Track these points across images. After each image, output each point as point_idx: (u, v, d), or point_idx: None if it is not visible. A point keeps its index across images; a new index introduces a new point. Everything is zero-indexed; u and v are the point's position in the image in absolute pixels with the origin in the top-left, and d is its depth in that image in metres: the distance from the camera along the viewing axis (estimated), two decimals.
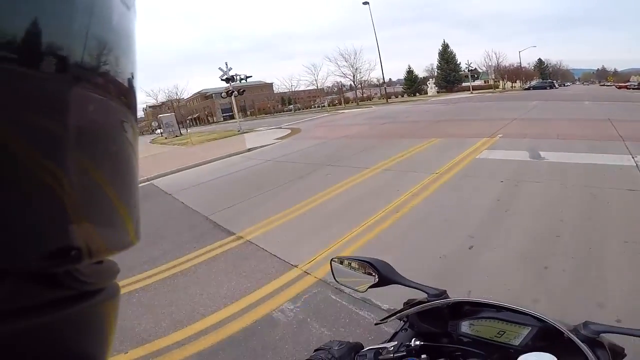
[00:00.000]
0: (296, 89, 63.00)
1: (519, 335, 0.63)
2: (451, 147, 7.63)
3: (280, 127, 20.65)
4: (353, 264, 0.83)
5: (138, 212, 0.24)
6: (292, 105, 60.82)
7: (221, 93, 24.46)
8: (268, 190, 5.91)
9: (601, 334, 0.57)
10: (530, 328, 0.62)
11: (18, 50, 0.15)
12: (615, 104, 16.21)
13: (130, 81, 0.22)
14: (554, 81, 56.23)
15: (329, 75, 57.70)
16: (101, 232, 0.21)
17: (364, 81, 54.72)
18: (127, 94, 0.22)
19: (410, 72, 61.34)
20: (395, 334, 0.77)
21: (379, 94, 52.93)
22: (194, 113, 70.45)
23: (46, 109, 0.17)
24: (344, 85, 57.93)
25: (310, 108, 54.43)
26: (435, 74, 59.92)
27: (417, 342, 0.64)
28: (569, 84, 76.51)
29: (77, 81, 0.18)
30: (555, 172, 4.97)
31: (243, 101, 67.23)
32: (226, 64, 21.84)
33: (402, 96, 60.00)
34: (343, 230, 3.83)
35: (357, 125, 15.52)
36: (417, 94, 58.34)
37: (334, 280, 0.87)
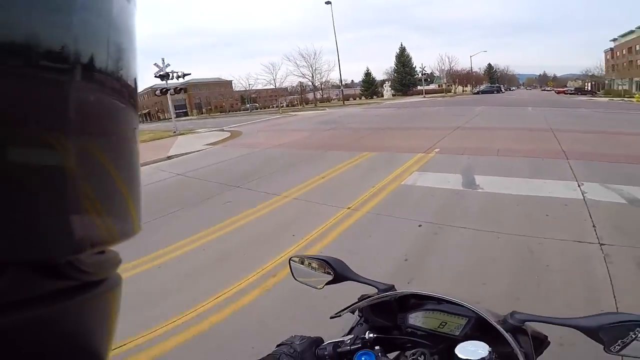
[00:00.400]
0: (255, 88, 60.58)
1: (459, 326, 0.67)
2: (381, 166, 6.47)
3: (223, 130, 18.75)
4: (311, 263, 0.86)
5: (140, 202, 0.24)
6: (249, 105, 58.25)
7: (155, 91, 21.88)
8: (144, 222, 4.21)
9: (526, 323, 0.62)
10: (467, 319, 0.67)
11: (17, 43, 0.15)
12: (556, 110, 16.40)
13: (131, 74, 0.22)
14: (501, 86, 59.23)
15: (288, 75, 55.45)
16: (103, 222, 0.21)
17: (323, 82, 53.72)
18: (127, 86, 0.22)
19: (368, 74, 61.54)
20: (352, 328, 0.79)
21: (339, 96, 52.42)
22: (144, 109, 65.16)
23: (48, 101, 0.17)
24: (306, 86, 56.62)
25: (268, 108, 52.20)
26: (392, 77, 60.54)
27: (371, 335, 0.67)
28: (514, 88, 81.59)
29: (78, 73, 0.18)
30: (489, 210, 3.85)
31: (199, 98, 63.68)
32: (163, 60, 19.43)
33: (360, 98, 60.02)
34: (167, 313, 2.36)
35: (300, 131, 14.14)
36: (375, 97, 58.63)
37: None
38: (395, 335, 0.74)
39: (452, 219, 3.64)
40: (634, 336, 0.54)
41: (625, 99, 31.00)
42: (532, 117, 13.47)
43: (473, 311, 0.65)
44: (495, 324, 0.61)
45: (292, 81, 56.67)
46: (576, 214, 3.55)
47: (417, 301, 0.75)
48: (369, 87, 61.10)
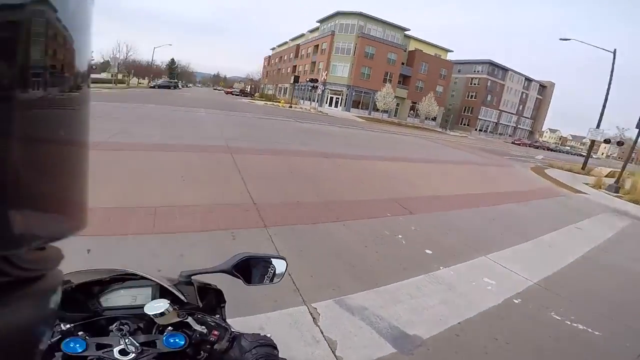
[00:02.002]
0: None
1: (147, 295, 0.72)
2: None
3: None
4: None
5: (86, 198, 0.24)
6: None
7: None
8: None
9: (192, 277, 0.76)
10: (151, 287, 0.72)
11: None
12: (227, 115, 15.86)
13: (83, 70, 0.22)
14: (179, 82, 58.42)
15: None
16: (43, 219, 0.20)
17: None
18: (78, 82, 0.22)
19: None
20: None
21: None
22: None
23: None
24: None
25: None
26: None
27: (68, 325, 0.65)
28: (190, 85, 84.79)
29: (23, 70, 0.17)
30: None
31: None
32: None
33: None
34: None
35: None
36: None
37: None
38: (96, 318, 0.71)
39: None
40: (273, 269, 0.80)
41: (275, 103, 39.07)
42: (206, 124, 11.55)
43: (152, 280, 0.72)
44: (164, 284, 0.70)
45: None
46: None
47: (100, 286, 0.73)
48: None
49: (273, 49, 73.35)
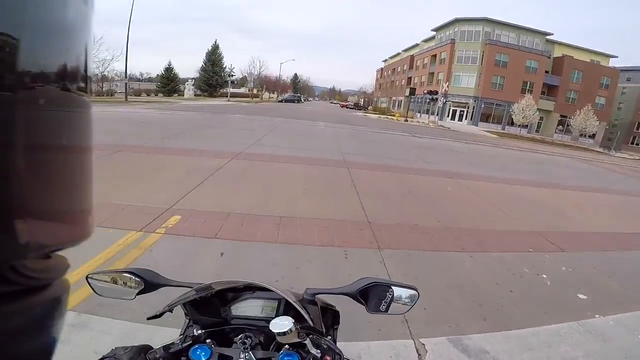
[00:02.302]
0: None
1: (273, 308, 0.75)
2: None
3: None
4: (114, 278, 0.80)
5: (91, 206, 0.24)
6: None
7: None
8: None
9: (316, 296, 0.75)
10: (278, 301, 0.75)
11: None
12: (343, 129, 16.44)
13: (84, 76, 0.22)
14: (301, 96, 64.45)
15: None
16: (49, 227, 0.20)
17: (101, 72, 40.76)
18: (79, 89, 0.22)
19: (169, 69, 52.17)
20: (183, 331, 0.79)
21: (130, 90, 40.70)
22: None
23: None
24: None
25: None
26: (198, 75, 53.91)
27: (200, 331, 0.70)
28: (310, 99, 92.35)
29: (26, 77, 0.18)
30: None
31: None
32: None
33: (156, 95, 50.21)
34: None
35: None
36: (176, 94, 50.45)
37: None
38: (223, 327, 0.76)
39: None
40: (390, 296, 0.73)
41: (389, 116, 38.77)
42: (325, 137, 12.21)
43: (278, 294, 0.72)
44: (292, 301, 0.69)
45: None
46: None
47: (236, 294, 0.78)
48: (169, 83, 52.08)
49: (385, 60, 72.74)
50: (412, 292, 0.76)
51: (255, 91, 61.74)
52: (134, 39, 63.59)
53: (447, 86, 38.62)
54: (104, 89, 46.78)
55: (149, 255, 2.88)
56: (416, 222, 4.35)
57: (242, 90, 63.23)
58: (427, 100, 38.14)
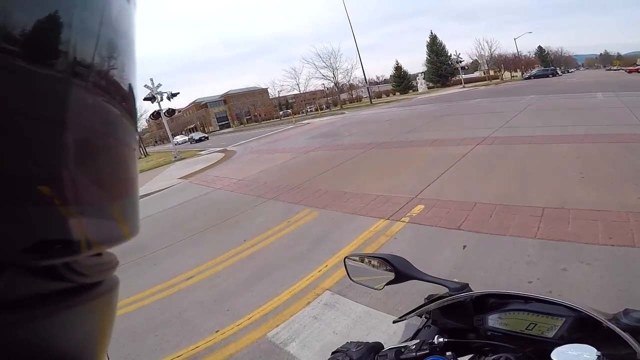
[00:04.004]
0: (292, 93, 58.66)
1: (553, 327, 0.56)
2: (287, 261, 3.44)
3: (226, 149, 16.91)
4: (370, 261, 0.79)
5: (138, 205, 0.24)
6: (281, 112, 56.63)
7: (149, 115, 20.51)
8: None
9: None
10: (564, 319, 0.56)
11: (14, 44, 0.15)
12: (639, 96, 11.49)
13: (129, 78, 0.22)
14: (557, 68, 50.76)
15: (311, 78, 52.31)
16: (100, 225, 0.21)
17: (348, 81, 50.09)
18: (125, 91, 0.22)
19: (398, 68, 56.47)
20: (418, 331, 0.71)
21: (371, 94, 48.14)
22: (190, 124, 67.03)
23: (43, 104, 0.17)
24: (330, 88, 53.30)
25: (298, 114, 49.61)
26: (425, 68, 54.73)
27: (441, 339, 0.60)
28: (572, 70, 70.44)
29: (74, 78, 0.18)
30: None
31: (239, 109, 63.78)
32: (151, 80, 17.77)
33: (394, 94, 55.24)
34: None
35: (285, 152, 11.36)
36: (411, 91, 53.49)
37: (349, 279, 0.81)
38: (470, 339, 0.63)
39: None
40: None
41: None
42: (606, 108, 9.02)
43: (573, 309, 0.55)
44: (609, 323, 0.50)
45: (315, 85, 53.85)
46: None
47: (498, 301, 0.63)
48: (402, 81, 56.06)
49: None
50: None
51: (491, 73, 54.88)
52: (361, 47, 72.42)
53: None
54: (353, 95, 56.93)
55: (393, 242, 3.29)
56: None
57: (476, 74, 57.82)
58: None
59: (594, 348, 0.45)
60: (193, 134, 39.87)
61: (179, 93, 18.50)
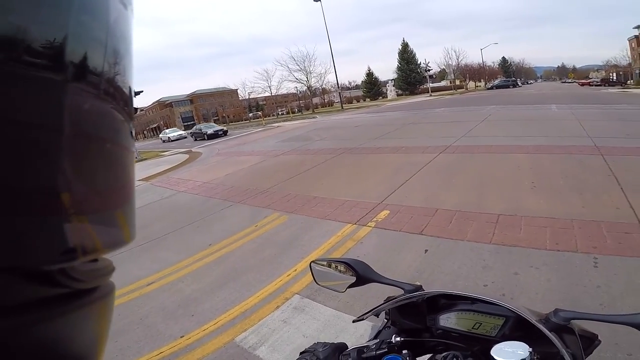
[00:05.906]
0: (262, 95, 57.70)
1: (495, 326, 0.61)
2: (254, 266, 3.33)
3: (191, 150, 16.29)
4: (334, 266, 0.82)
5: (134, 211, 0.24)
6: (251, 114, 55.55)
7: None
8: None
9: (572, 321, 0.57)
10: (504, 319, 0.61)
11: (12, 48, 0.15)
12: (588, 109, 12.57)
13: (127, 83, 0.22)
14: (517, 79, 54.34)
15: (283, 81, 51.92)
16: (96, 231, 0.21)
17: (321, 86, 50.42)
18: (123, 95, 0.22)
19: (369, 74, 57.73)
20: (379, 332, 0.75)
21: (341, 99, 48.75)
22: (153, 123, 63.86)
23: (42, 108, 0.16)
24: (302, 91, 53.29)
25: (269, 116, 48.87)
26: (396, 75, 56.38)
27: (398, 339, 0.65)
28: (531, 81, 75.86)
29: (72, 81, 0.18)
30: None
31: (205, 109, 61.84)
32: None
33: (364, 100, 56.32)
34: None
35: (253, 155, 11.15)
36: (380, 97, 54.79)
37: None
38: (425, 338, 0.69)
39: None
40: None
41: None
42: (560, 120, 9.77)
43: (511, 310, 0.60)
44: (536, 323, 0.55)
45: (288, 88, 53.59)
46: None
47: (448, 301, 0.68)
48: (372, 87, 57.35)
49: (638, 27, 49.72)
50: None
51: (457, 82, 57.63)
52: (336, 51, 73.53)
53: None
54: (325, 100, 57.43)
55: (359, 246, 3.36)
56: None
57: (443, 83, 60.46)
58: None
59: (526, 345, 0.50)
60: (201, 126, 26.53)
61: (142, 91, 17.62)
